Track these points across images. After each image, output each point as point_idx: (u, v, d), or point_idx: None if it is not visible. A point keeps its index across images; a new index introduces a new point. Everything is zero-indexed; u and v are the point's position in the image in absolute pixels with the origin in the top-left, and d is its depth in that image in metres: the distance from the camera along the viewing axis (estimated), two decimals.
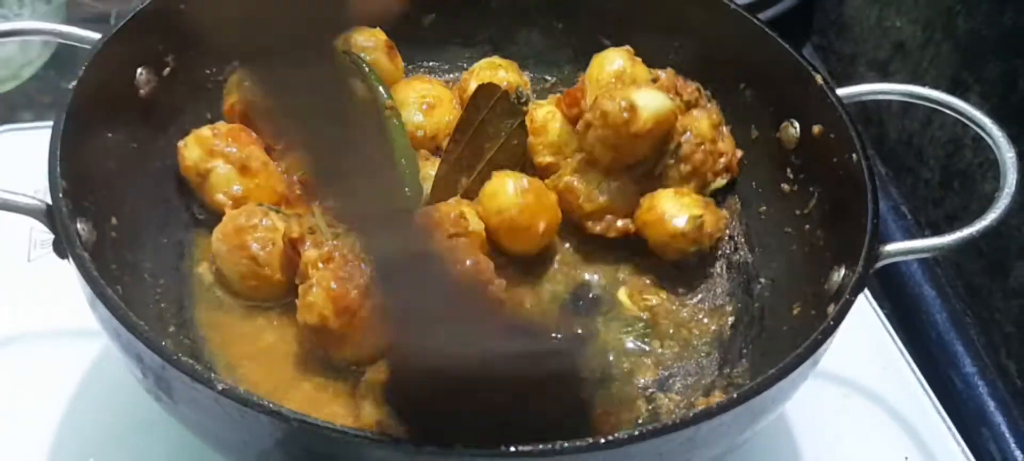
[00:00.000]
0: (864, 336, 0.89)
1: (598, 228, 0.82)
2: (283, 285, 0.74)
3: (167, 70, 0.79)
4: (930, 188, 1.05)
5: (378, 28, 0.88)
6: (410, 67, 0.95)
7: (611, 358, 0.78)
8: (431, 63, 0.98)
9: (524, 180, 0.79)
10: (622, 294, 0.82)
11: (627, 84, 0.82)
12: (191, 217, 0.80)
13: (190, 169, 0.78)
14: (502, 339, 0.56)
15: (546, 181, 0.82)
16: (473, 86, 0.85)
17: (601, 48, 0.88)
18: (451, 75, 0.97)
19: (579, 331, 0.71)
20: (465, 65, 0.95)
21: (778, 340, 0.75)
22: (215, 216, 0.77)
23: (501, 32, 0.97)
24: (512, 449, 0.53)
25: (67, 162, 0.65)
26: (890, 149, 1.13)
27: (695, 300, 0.82)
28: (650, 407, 0.74)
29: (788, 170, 0.82)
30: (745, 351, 0.78)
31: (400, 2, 0.86)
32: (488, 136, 0.82)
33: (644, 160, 0.81)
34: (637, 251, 0.83)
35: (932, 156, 1.05)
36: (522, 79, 0.93)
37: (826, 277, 0.72)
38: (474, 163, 0.82)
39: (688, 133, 0.82)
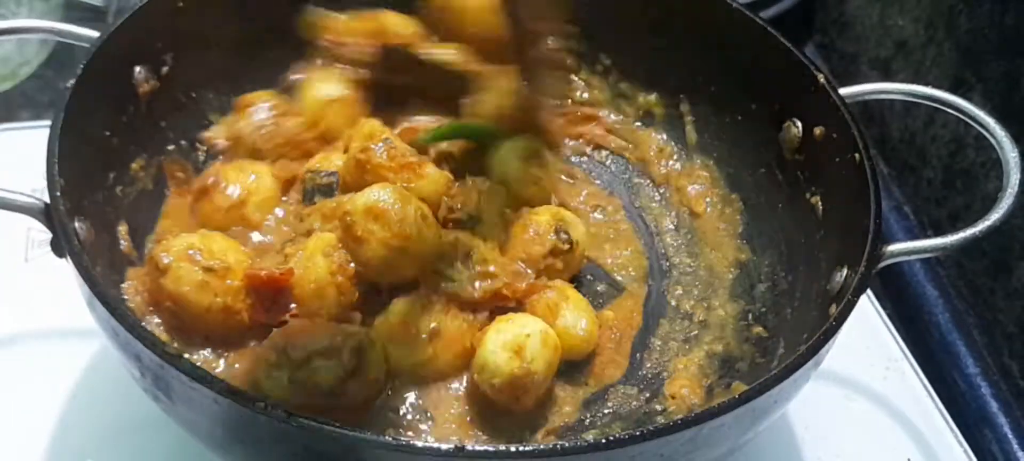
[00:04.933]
0: (866, 336, 0.89)
1: None
2: None
3: (165, 69, 0.79)
4: (933, 187, 1.05)
5: None
6: None
7: None
8: None
9: None
10: None
11: None
12: None
13: None
14: None
15: None
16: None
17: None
18: None
19: None
20: None
21: (780, 341, 0.75)
22: None
23: None
24: (513, 449, 0.53)
25: (65, 161, 0.65)
26: (892, 148, 1.12)
27: None
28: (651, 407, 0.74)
29: (790, 170, 0.82)
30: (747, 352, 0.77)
31: None
32: None
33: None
34: None
35: (934, 155, 1.05)
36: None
37: (828, 277, 0.71)
38: None
39: None
